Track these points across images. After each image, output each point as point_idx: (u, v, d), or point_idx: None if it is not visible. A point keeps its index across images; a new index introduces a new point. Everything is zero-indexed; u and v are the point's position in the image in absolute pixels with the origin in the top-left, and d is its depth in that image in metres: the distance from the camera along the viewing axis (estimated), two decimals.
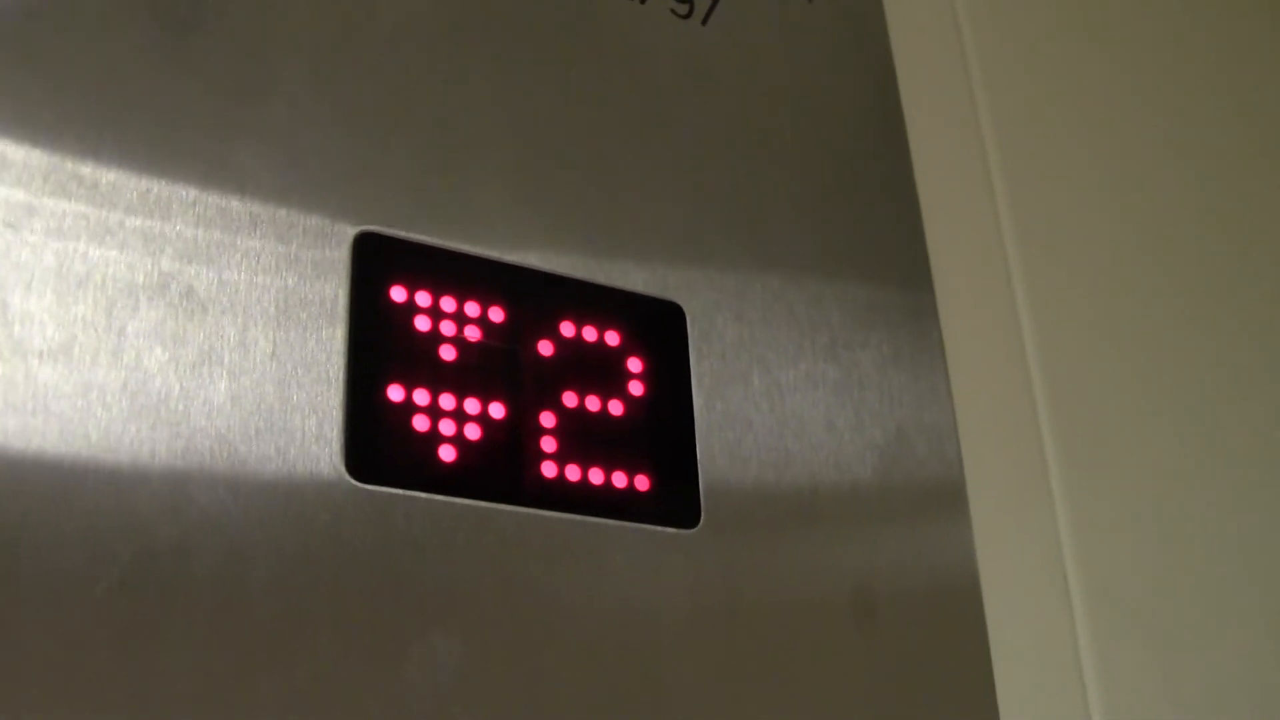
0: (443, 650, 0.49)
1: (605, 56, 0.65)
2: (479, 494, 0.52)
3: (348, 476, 0.50)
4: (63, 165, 0.49)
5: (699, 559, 0.56)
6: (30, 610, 0.43)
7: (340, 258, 0.53)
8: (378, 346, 0.52)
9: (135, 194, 0.50)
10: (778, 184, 0.67)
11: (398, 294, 0.54)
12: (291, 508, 0.48)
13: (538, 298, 0.57)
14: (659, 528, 0.56)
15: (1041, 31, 0.87)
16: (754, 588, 0.58)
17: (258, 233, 0.52)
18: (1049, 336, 0.75)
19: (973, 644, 0.63)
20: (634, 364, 0.58)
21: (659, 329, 0.60)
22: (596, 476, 0.55)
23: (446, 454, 0.52)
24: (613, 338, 0.58)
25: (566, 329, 0.57)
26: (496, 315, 0.56)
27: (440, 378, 0.53)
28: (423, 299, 0.54)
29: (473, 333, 0.55)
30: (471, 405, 0.53)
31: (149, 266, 0.49)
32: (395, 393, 0.52)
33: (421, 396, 0.53)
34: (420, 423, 0.52)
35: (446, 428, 0.53)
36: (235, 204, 0.52)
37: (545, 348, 0.56)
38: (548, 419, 0.55)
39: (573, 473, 0.55)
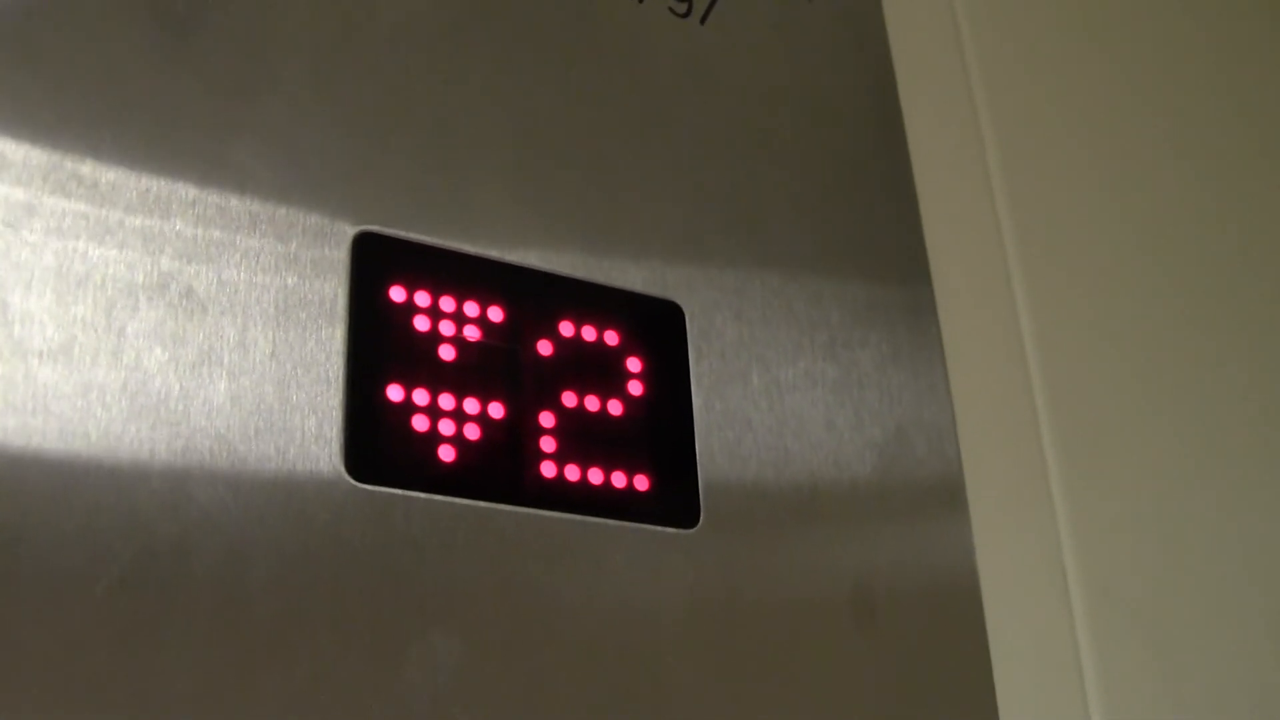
0: (443, 650, 0.49)
1: (604, 56, 0.65)
2: (478, 494, 0.52)
3: (347, 476, 0.50)
4: (62, 164, 0.49)
5: (699, 559, 0.56)
6: (30, 609, 0.43)
7: (340, 257, 0.53)
8: (377, 346, 0.52)
9: (135, 193, 0.50)
10: (777, 183, 0.67)
11: (397, 294, 0.54)
12: (291, 507, 0.48)
13: (537, 297, 0.57)
14: (658, 527, 0.56)
15: (1041, 31, 0.87)
16: (754, 587, 0.58)
17: (257, 232, 0.52)
18: (1048, 335, 0.75)
19: (972, 644, 0.63)
20: (633, 363, 0.58)
21: (658, 328, 0.60)
22: (596, 476, 0.55)
23: (446, 454, 0.52)
24: (612, 337, 0.58)
25: (566, 328, 0.57)
26: (496, 315, 0.56)
27: (440, 377, 0.53)
28: (422, 299, 0.54)
29: (472, 332, 0.55)
30: (471, 405, 0.53)
31: (149, 266, 0.49)
32: (395, 392, 0.52)
33: (421, 396, 0.53)
34: (420, 422, 0.52)
35: (446, 428, 0.53)
36: (235, 203, 0.52)
37: (544, 347, 0.56)
38: (547, 419, 0.55)
39: (572, 472, 0.55)
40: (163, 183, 0.50)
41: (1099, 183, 0.85)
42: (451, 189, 0.57)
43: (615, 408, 0.57)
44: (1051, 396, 0.73)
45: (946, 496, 0.65)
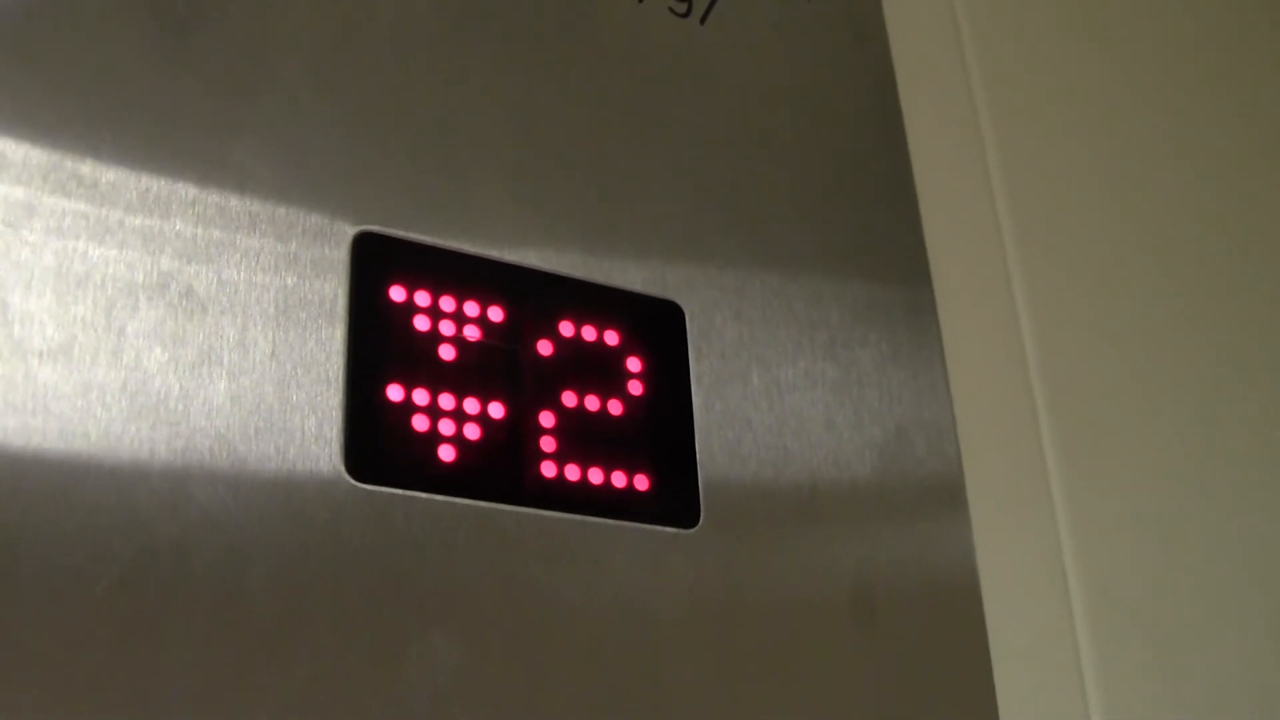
0: (443, 650, 0.49)
1: (604, 56, 0.65)
2: (479, 494, 0.52)
3: (347, 476, 0.50)
4: (62, 164, 0.49)
5: (698, 558, 0.56)
6: (30, 609, 0.43)
7: (340, 257, 0.53)
8: (377, 346, 0.52)
9: (135, 193, 0.50)
10: (777, 183, 0.67)
11: (397, 293, 0.54)
12: (291, 507, 0.48)
13: (537, 297, 0.57)
14: (658, 527, 0.56)
15: (1041, 31, 0.87)
16: (753, 587, 0.58)
17: (257, 232, 0.52)
18: (1048, 335, 0.75)
19: (972, 643, 0.63)
20: (633, 363, 0.58)
21: (658, 328, 0.60)
22: (596, 476, 0.55)
23: (446, 454, 0.52)
24: (612, 337, 0.58)
25: (566, 328, 0.57)
26: (496, 315, 0.56)
27: (440, 377, 0.53)
28: (422, 299, 0.54)
29: (472, 332, 0.55)
30: (471, 405, 0.53)
31: (149, 266, 0.49)
32: (395, 392, 0.52)
33: (421, 396, 0.53)
34: (420, 422, 0.52)
35: (446, 427, 0.53)
36: (234, 203, 0.52)
37: (544, 347, 0.56)
38: (547, 419, 0.55)
39: (572, 472, 0.55)
40: (163, 183, 0.50)
41: (1099, 183, 0.85)
42: (451, 189, 0.57)
43: (615, 407, 0.57)
44: (1051, 396, 0.73)
45: (946, 496, 0.65)
